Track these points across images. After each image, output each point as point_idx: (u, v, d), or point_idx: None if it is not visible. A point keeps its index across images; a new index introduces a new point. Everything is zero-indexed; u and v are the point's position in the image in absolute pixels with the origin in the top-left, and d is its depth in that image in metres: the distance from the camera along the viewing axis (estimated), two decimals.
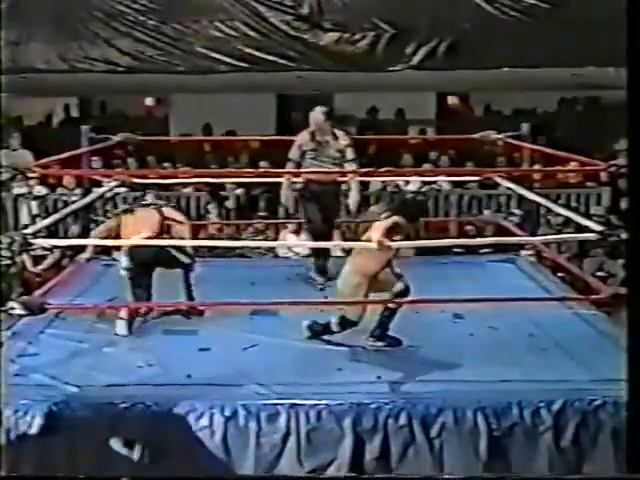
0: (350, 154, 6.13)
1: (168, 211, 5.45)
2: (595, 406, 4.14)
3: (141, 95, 12.70)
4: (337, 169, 6.16)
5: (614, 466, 4.10)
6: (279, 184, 6.39)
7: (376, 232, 4.58)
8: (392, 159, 10.16)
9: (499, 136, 7.05)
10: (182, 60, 9.12)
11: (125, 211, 5.43)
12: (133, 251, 5.12)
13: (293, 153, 6.20)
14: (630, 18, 3.58)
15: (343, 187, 6.52)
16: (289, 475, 4.06)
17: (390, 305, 4.79)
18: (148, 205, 5.43)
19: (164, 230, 5.35)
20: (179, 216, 5.52)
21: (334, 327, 4.86)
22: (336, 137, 6.15)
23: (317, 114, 6.13)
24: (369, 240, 4.59)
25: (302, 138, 6.18)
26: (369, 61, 9.08)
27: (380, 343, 4.83)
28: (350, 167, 6.12)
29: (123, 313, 5.06)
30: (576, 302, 5.62)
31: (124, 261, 5.16)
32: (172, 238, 5.40)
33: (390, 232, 4.63)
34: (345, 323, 4.81)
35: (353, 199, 6.24)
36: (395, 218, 4.69)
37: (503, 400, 4.16)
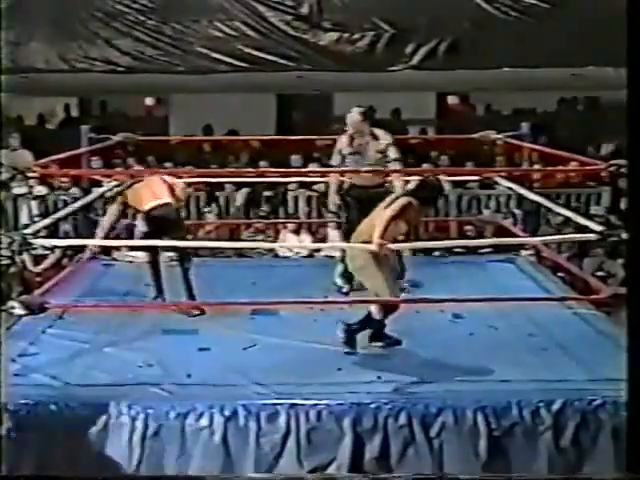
0: (393, 153, 5.86)
1: (166, 178, 5.80)
2: (595, 406, 4.14)
3: (141, 95, 12.70)
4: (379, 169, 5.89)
5: (614, 466, 4.10)
6: (281, 184, 6.31)
7: (377, 230, 4.54)
8: None
9: (499, 136, 7.05)
10: (182, 60, 9.13)
11: (130, 185, 5.68)
12: (150, 217, 5.48)
13: (334, 159, 6.00)
14: (630, 18, 3.59)
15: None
16: (289, 475, 4.06)
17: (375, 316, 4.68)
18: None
19: (173, 195, 5.69)
20: (175, 179, 5.87)
21: (376, 315, 4.68)
22: (376, 137, 5.91)
23: (354, 115, 5.87)
24: (369, 240, 4.57)
25: (341, 143, 5.94)
26: (369, 61, 9.09)
27: (379, 343, 4.81)
28: (395, 167, 5.88)
29: None
30: (576, 302, 5.62)
31: (141, 225, 5.61)
32: (179, 201, 5.76)
33: (401, 216, 4.58)
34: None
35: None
36: (408, 199, 4.63)
37: (503, 400, 4.17)
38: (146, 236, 5.54)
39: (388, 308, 4.65)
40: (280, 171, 8.94)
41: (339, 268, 5.91)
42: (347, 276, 5.69)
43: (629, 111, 3.51)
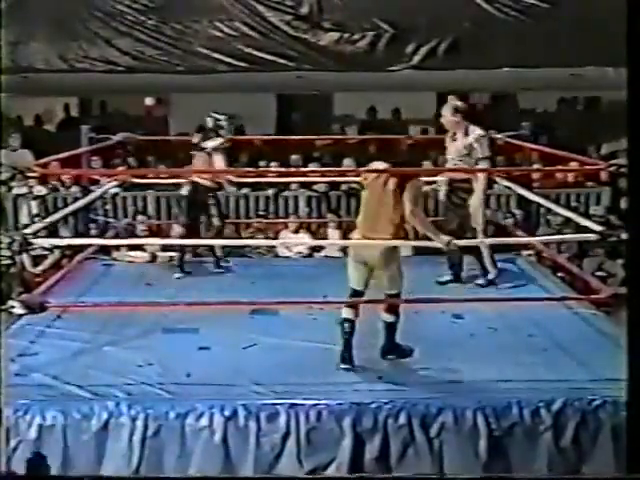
0: (479, 151, 5.83)
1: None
2: (595, 406, 4.14)
3: (141, 95, 12.69)
4: (463, 166, 5.88)
5: (614, 465, 4.10)
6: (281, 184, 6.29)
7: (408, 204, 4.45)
8: (393, 158, 10.13)
9: (499, 135, 7.04)
10: (182, 60, 9.11)
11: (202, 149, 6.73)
12: (194, 184, 6.63)
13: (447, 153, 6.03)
14: (630, 18, 3.58)
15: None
16: (290, 476, 4.05)
17: (387, 319, 4.66)
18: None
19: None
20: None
21: (389, 319, 4.62)
22: (467, 132, 5.88)
23: (445, 108, 5.90)
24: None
25: (447, 138, 5.99)
26: (369, 61, 9.07)
27: (391, 356, 4.69)
28: (481, 165, 5.84)
29: None
30: (576, 302, 5.62)
31: (185, 190, 6.69)
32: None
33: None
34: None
35: (474, 201, 5.92)
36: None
37: (503, 400, 4.17)
38: (186, 197, 6.67)
39: (397, 308, 4.60)
40: (283, 171, 8.92)
41: None
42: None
43: (629, 111, 3.50)
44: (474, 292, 5.93)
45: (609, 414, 4.12)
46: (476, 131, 5.91)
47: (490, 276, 6.15)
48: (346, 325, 4.56)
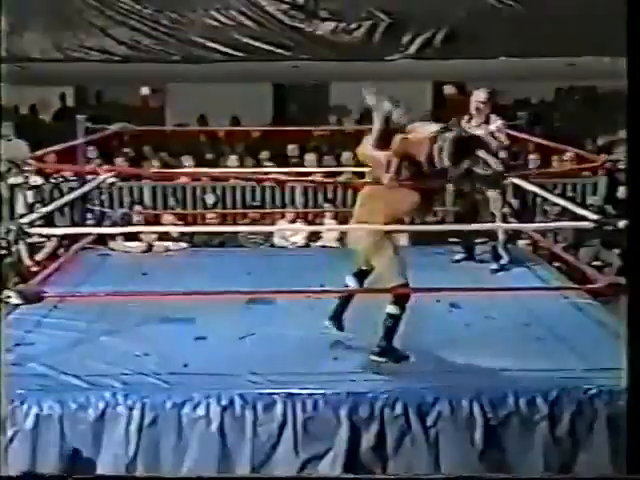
0: (501, 140, 5.81)
1: None
2: (591, 395, 4.15)
3: (137, 84, 12.66)
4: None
5: (609, 455, 4.11)
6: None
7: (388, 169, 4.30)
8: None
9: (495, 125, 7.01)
10: (178, 49, 9.09)
11: None
12: None
13: None
14: (630, 8, 3.57)
15: None
16: (290, 476, 4.06)
17: (387, 310, 4.52)
18: None
19: None
20: None
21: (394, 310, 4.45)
22: (488, 121, 5.87)
23: (479, 93, 5.90)
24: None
25: (464, 124, 5.93)
26: (366, 50, 9.05)
27: (381, 359, 4.47)
28: (501, 154, 5.82)
29: None
30: (572, 291, 5.63)
31: None
32: None
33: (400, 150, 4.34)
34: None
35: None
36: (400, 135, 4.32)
37: (499, 389, 4.18)
38: None
39: (402, 298, 4.48)
40: (284, 171, 8.89)
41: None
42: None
43: (629, 101, 3.49)
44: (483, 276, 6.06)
45: (605, 403, 4.13)
46: (498, 120, 5.94)
47: (503, 261, 6.25)
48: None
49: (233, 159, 10.18)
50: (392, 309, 4.46)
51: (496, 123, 5.86)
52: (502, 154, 5.87)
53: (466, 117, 5.97)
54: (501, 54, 9.04)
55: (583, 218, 4.68)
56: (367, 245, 4.45)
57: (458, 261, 6.49)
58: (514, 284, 5.74)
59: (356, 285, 4.60)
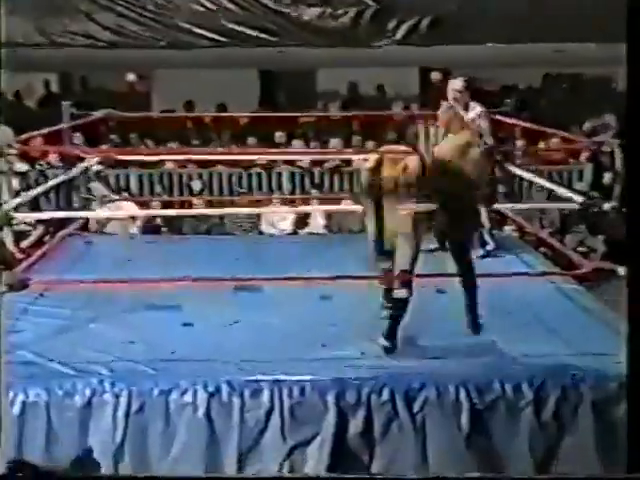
0: (484, 127, 5.73)
1: None
2: (575, 380, 4.18)
3: (123, 70, 12.58)
4: None
5: (594, 439, 4.15)
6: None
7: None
8: (377, 134, 10.14)
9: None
10: (164, 35, 9.03)
11: None
12: None
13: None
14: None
15: None
16: (292, 475, 4.08)
17: (394, 294, 4.50)
18: None
19: None
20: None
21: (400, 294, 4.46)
22: (467, 108, 5.75)
23: (456, 82, 5.79)
24: None
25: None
26: (352, 36, 9.03)
27: (386, 343, 4.48)
28: (486, 141, 5.70)
29: None
30: (558, 277, 5.66)
31: None
32: None
33: None
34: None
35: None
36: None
37: (485, 375, 4.20)
38: None
39: (408, 283, 4.49)
40: (273, 151, 8.88)
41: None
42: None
43: (629, 91, 3.46)
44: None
45: (590, 388, 4.17)
46: (477, 107, 5.87)
47: (489, 247, 6.24)
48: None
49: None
50: (396, 292, 4.45)
51: (475, 110, 5.81)
52: (488, 141, 5.82)
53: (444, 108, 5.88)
54: (488, 40, 9.04)
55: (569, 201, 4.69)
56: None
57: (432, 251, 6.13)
58: (501, 270, 5.76)
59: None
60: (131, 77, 12.90)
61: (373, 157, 4.53)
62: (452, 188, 4.51)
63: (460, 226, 4.68)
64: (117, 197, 8.49)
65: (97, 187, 7.52)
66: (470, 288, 4.73)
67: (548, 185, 6.29)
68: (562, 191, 5.36)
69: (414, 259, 4.47)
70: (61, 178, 6.76)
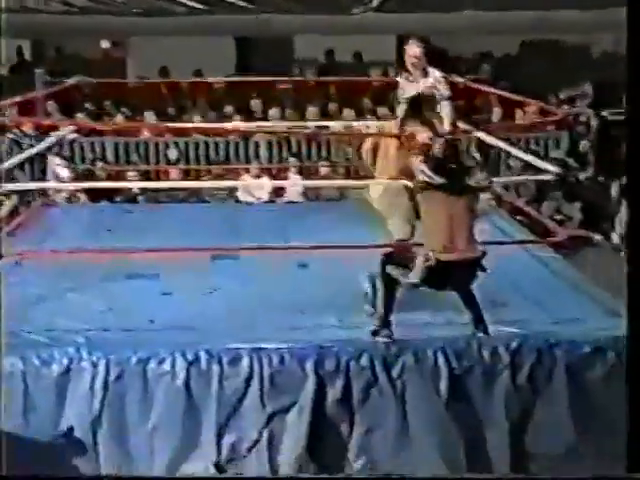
0: (444, 90, 5.48)
1: None
2: (550, 344, 4.23)
3: (97, 37, 12.41)
4: None
5: (568, 402, 4.21)
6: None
7: None
8: (353, 101, 10.10)
9: (460, 79, 7.02)
10: (139, 2, 8.92)
11: None
12: None
13: (398, 95, 5.60)
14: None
15: None
16: (294, 476, 4.10)
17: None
18: None
19: None
20: None
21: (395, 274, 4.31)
22: (426, 74, 5.57)
23: (411, 47, 5.56)
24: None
25: (402, 80, 5.57)
26: (329, 3, 8.97)
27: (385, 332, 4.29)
28: (445, 106, 5.73)
29: None
30: (534, 244, 5.70)
31: None
32: None
33: None
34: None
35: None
36: None
37: (463, 341, 4.24)
38: None
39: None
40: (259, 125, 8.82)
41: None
42: None
43: (629, 64, 3.43)
44: None
45: (564, 352, 4.22)
46: (435, 72, 5.81)
47: None
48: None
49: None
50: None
51: (434, 75, 5.75)
52: (446, 105, 5.73)
53: (404, 74, 5.84)
54: (465, 7, 9.02)
55: (546, 172, 4.72)
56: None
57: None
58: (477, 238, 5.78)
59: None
60: (106, 44, 12.75)
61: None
62: None
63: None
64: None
65: (54, 160, 7.42)
66: (473, 306, 4.38)
67: (524, 157, 6.29)
68: (539, 162, 5.37)
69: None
70: (36, 149, 6.67)
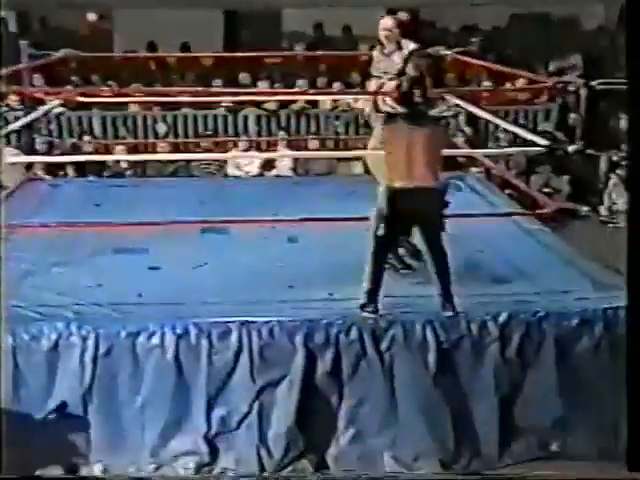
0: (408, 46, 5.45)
1: None
2: (539, 317, 4.25)
3: (83, 10, 12.27)
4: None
5: (556, 374, 4.24)
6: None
7: None
8: (342, 76, 10.05)
9: (448, 52, 6.98)
10: None
11: None
12: None
13: (372, 68, 5.59)
14: None
15: None
16: (296, 475, 4.11)
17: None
18: None
19: None
20: None
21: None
22: (400, 47, 5.52)
23: (385, 20, 5.55)
24: None
25: (376, 53, 5.59)
26: None
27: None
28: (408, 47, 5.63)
29: None
30: (523, 217, 5.71)
31: None
32: None
33: None
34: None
35: None
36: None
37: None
38: None
39: None
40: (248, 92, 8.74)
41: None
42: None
43: (628, 48, 3.41)
44: None
45: (553, 325, 4.24)
46: (410, 44, 5.75)
47: None
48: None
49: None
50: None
51: (409, 47, 5.68)
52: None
53: (378, 47, 5.77)
54: None
55: (535, 144, 4.71)
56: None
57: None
58: (467, 211, 5.79)
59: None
60: (92, 17, 12.61)
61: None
62: None
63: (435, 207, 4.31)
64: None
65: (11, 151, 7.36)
66: (444, 272, 4.31)
67: (515, 130, 6.28)
68: (528, 136, 5.35)
69: None
70: (22, 122, 6.60)
